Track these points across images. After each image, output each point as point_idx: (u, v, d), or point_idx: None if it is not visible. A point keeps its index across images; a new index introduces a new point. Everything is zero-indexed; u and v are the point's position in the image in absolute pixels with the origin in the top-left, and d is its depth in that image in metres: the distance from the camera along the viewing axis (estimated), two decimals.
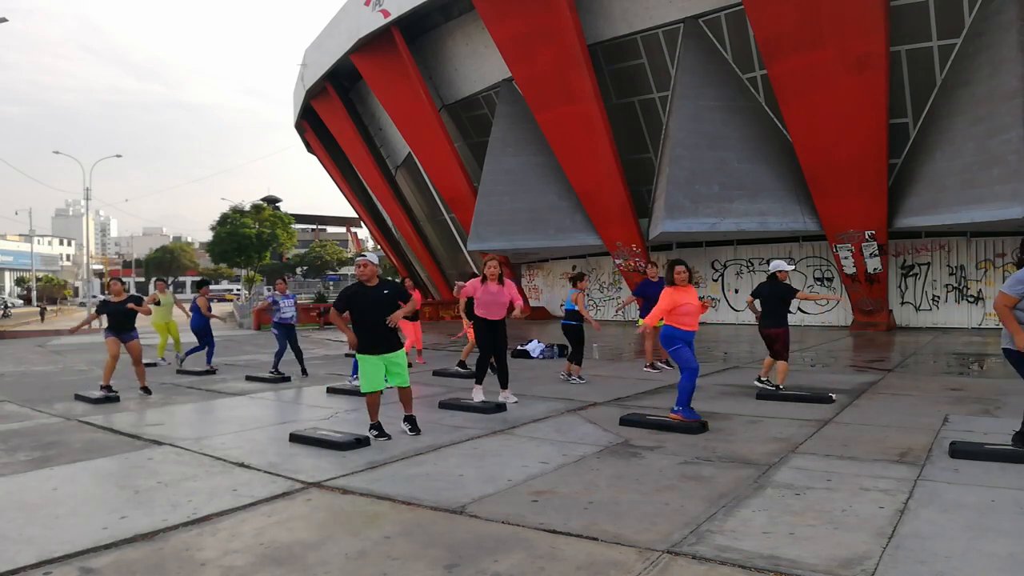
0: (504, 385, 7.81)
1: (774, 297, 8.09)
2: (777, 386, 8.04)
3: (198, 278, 22.88)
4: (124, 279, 14.36)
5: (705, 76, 17.86)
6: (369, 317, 6.06)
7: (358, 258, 6.33)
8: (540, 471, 4.97)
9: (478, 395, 7.61)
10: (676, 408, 6.37)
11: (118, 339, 8.90)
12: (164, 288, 13.17)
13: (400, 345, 6.25)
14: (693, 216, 17.36)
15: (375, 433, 6.05)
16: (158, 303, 12.60)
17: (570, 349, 9.59)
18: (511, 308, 7.82)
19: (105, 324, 9.02)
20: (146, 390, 9.00)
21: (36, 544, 3.66)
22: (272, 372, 10.26)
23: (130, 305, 8.95)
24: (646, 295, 10.07)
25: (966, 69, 15.27)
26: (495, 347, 7.79)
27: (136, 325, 9.14)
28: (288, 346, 10.56)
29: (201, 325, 11.90)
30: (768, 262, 12.93)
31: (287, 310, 10.72)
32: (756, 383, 8.29)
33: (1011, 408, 7.04)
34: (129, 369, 11.79)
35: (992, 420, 6.44)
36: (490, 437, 6.12)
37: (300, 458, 5.46)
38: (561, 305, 11.95)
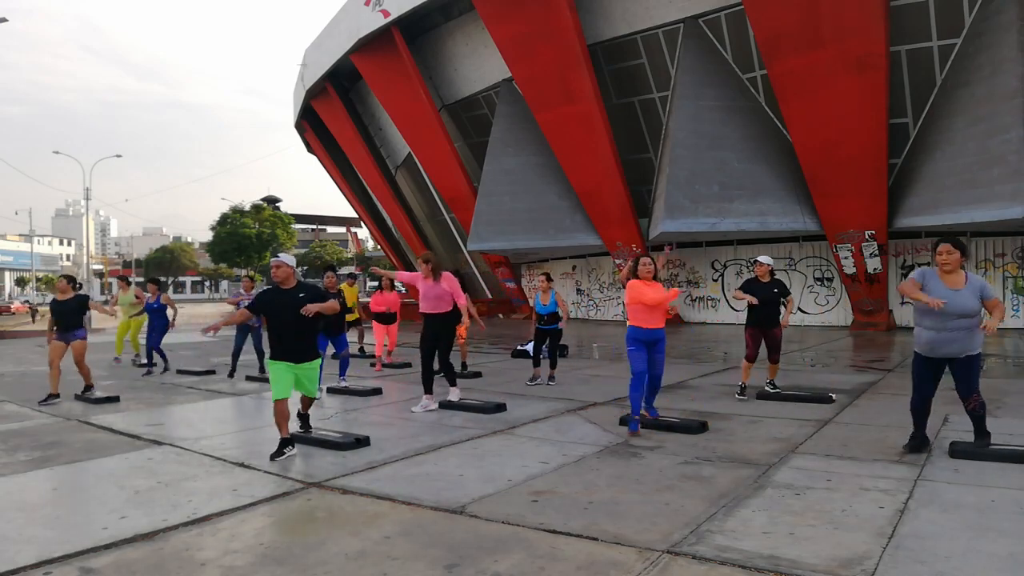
0: (452, 383, 7.84)
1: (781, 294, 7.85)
2: (744, 385, 7.98)
3: (198, 278, 22.65)
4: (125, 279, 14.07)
5: (705, 76, 17.85)
6: (279, 321, 5.68)
7: (272, 259, 5.99)
8: (540, 471, 4.97)
9: (423, 405, 7.47)
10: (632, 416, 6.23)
11: (63, 342, 8.56)
12: (126, 287, 12.84)
13: (316, 356, 5.84)
14: (693, 216, 17.35)
15: (287, 450, 5.44)
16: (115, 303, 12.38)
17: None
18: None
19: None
20: (90, 388, 8.74)
21: (36, 544, 3.66)
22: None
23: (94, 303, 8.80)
24: None
25: (966, 69, 15.26)
26: (436, 343, 7.67)
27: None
28: (246, 344, 11.00)
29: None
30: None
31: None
32: (767, 388, 8.05)
33: (1011, 408, 7.05)
34: (128, 369, 11.76)
35: (992, 420, 6.41)
36: (490, 437, 6.12)
37: (300, 458, 5.46)
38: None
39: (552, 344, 9.51)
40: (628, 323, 6.43)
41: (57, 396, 8.41)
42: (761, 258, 8.05)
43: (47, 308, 10.22)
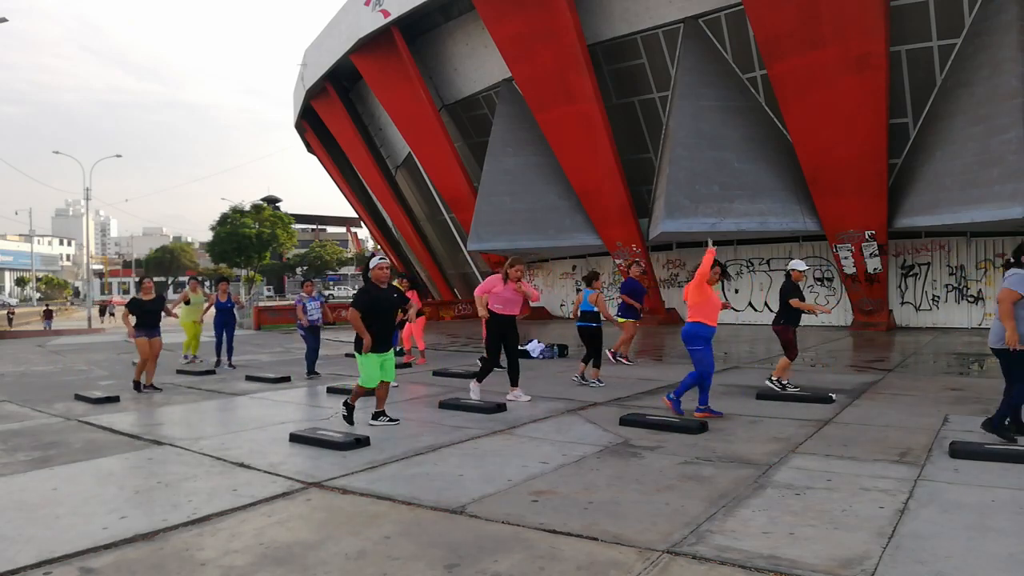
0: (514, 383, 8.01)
1: (781, 294, 8.20)
2: (781, 383, 8.02)
3: (199, 277, 22.62)
4: (125, 279, 14.40)
5: (705, 76, 17.86)
6: (379, 317, 6.50)
7: (378, 260, 6.59)
8: (540, 471, 4.97)
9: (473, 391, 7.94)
10: (670, 396, 7.00)
11: (148, 338, 9.30)
12: (196, 287, 13.38)
13: (391, 347, 6.73)
14: (693, 216, 17.35)
15: (381, 419, 6.59)
16: (188, 302, 12.85)
17: (585, 351, 9.28)
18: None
19: (134, 322, 9.39)
20: (153, 387, 9.27)
21: (36, 544, 3.66)
22: (309, 374, 10.58)
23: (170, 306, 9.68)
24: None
25: (966, 69, 15.27)
26: (504, 341, 8.02)
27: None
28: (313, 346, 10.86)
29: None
30: (767, 261, 12.63)
31: (314, 312, 10.90)
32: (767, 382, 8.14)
33: None
34: (129, 369, 11.80)
35: None
36: (490, 437, 6.12)
37: (300, 458, 5.46)
38: (561, 305, 11.82)
39: (585, 343, 9.18)
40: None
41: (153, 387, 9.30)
42: (799, 265, 8.19)
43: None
